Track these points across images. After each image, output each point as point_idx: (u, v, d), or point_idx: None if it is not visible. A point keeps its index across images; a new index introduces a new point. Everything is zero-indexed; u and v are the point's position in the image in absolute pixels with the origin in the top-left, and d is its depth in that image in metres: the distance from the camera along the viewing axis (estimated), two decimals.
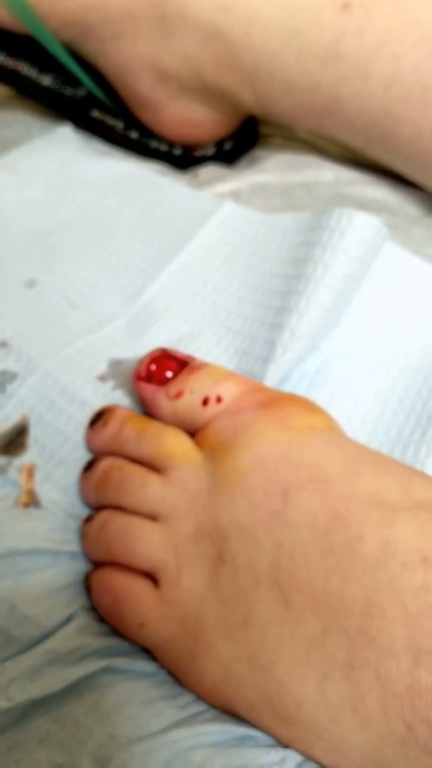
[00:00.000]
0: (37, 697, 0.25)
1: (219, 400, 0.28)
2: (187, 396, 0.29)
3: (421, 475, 0.25)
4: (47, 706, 0.25)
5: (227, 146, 0.46)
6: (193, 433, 0.29)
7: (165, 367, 0.30)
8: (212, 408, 0.28)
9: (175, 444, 0.28)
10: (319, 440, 0.26)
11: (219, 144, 0.46)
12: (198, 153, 0.46)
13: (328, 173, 0.40)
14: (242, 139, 0.46)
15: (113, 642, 0.26)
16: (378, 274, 0.33)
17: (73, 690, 0.25)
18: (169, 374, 0.30)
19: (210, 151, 0.46)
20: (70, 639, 0.26)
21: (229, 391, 0.28)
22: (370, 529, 0.23)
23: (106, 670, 0.25)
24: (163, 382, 0.30)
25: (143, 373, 0.30)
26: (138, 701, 0.25)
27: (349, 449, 0.25)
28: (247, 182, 0.40)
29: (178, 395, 0.29)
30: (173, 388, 0.29)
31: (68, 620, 0.26)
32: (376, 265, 0.33)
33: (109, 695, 0.25)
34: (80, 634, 0.26)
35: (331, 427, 0.27)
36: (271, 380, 0.31)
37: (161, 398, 0.29)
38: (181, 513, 0.26)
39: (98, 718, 0.24)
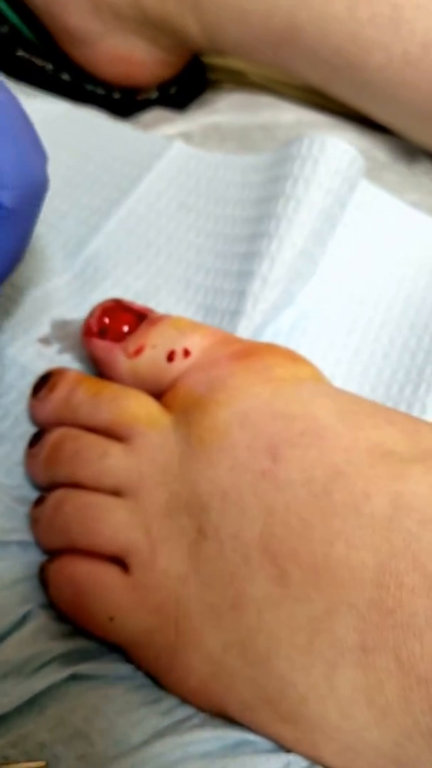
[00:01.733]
0: None
1: (187, 353, 0.25)
2: (149, 352, 0.25)
3: (428, 424, 0.23)
4: (3, 728, 0.21)
5: (172, 90, 0.42)
6: (157, 394, 0.25)
7: (120, 320, 0.26)
8: (179, 363, 0.25)
9: (138, 406, 0.24)
10: (308, 391, 0.23)
11: (163, 88, 0.42)
12: (140, 97, 0.42)
13: (289, 114, 0.37)
14: (188, 82, 0.43)
15: (78, 643, 0.23)
16: (355, 216, 0.30)
17: (33, 706, 0.21)
18: (125, 329, 0.26)
19: (153, 95, 0.42)
20: (26, 645, 0.22)
21: (197, 344, 0.25)
22: (378, 485, 0.20)
23: (72, 679, 0.22)
24: (119, 337, 0.26)
25: (95, 328, 0.26)
26: (113, 711, 0.21)
27: (342, 399, 0.23)
28: (198, 124, 0.37)
29: (138, 351, 0.25)
30: (132, 344, 0.26)
31: (21, 622, 0.23)
32: (353, 205, 0.30)
33: (77, 708, 0.21)
34: (37, 637, 0.22)
35: (317, 377, 0.24)
36: (242, 335, 0.28)
37: (118, 356, 0.26)
38: (151, 485, 0.23)
39: (67, 736, 0.21)
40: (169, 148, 0.34)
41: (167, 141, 0.35)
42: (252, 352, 0.24)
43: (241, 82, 0.43)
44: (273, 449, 0.21)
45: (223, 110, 0.38)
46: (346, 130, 0.37)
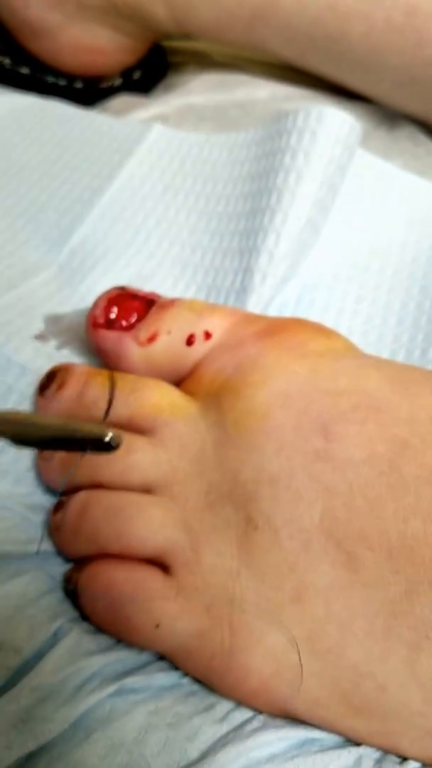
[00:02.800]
0: (32, 751, 0.18)
1: (208, 336, 0.23)
2: (164, 338, 0.23)
3: None
4: (48, 758, 0.18)
5: (136, 75, 0.40)
6: (175, 381, 0.23)
7: (128, 308, 0.24)
8: (200, 346, 0.23)
9: (160, 396, 0.22)
10: (350, 363, 0.21)
11: (126, 74, 0.40)
12: (103, 85, 0.39)
13: (263, 91, 0.35)
14: (151, 66, 0.41)
15: (118, 656, 0.20)
16: (352, 185, 0.29)
17: (78, 730, 0.19)
18: (134, 317, 0.24)
19: (117, 81, 0.40)
20: (62, 665, 0.19)
21: (218, 325, 0.23)
22: None
23: (116, 695, 0.19)
24: (129, 326, 0.24)
25: (101, 319, 0.24)
26: (165, 725, 0.19)
27: (387, 369, 0.21)
28: (172, 106, 0.35)
29: (152, 338, 0.23)
30: (144, 331, 0.23)
31: (54, 640, 0.20)
32: (351, 173, 0.29)
33: (127, 728, 0.19)
34: (73, 655, 0.20)
35: (352, 349, 0.22)
36: (253, 312, 0.26)
37: (129, 345, 0.23)
38: (184, 477, 0.21)
39: (121, 763, 0.18)
40: (149, 131, 0.32)
41: (145, 125, 0.33)
42: (280, 328, 0.22)
43: (205, 62, 0.41)
44: (324, 428, 0.19)
45: (197, 91, 0.36)
46: (322, 102, 0.36)
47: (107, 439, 0.13)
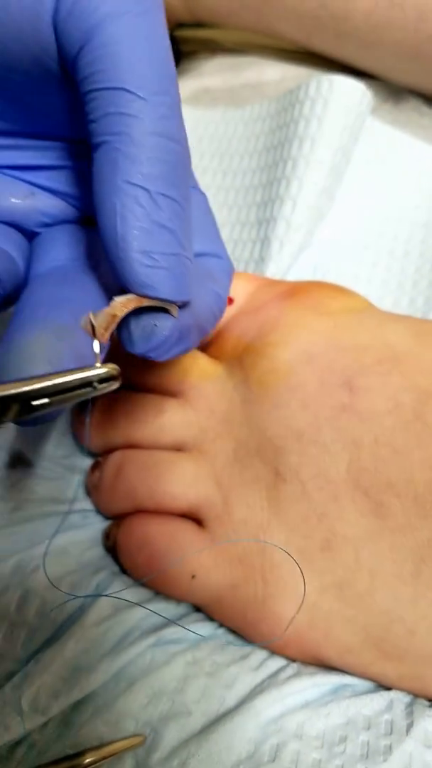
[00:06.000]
0: (78, 700, 0.17)
1: (230, 301, 0.21)
2: None
3: None
4: (93, 707, 0.17)
5: None
6: (201, 346, 0.22)
7: None
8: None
9: (187, 360, 0.21)
10: (370, 319, 0.19)
11: None
12: None
13: (273, 71, 0.33)
14: None
15: (157, 608, 0.19)
16: (363, 152, 0.27)
17: (121, 680, 0.18)
18: None
19: None
20: (104, 617, 0.18)
21: (240, 290, 0.21)
22: None
23: (156, 646, 0.18)
24: None
25: None
26: (203, 674, 0.18)
27: (407, 322, 0.19)
28: (186, 88, 0.33)
29: None
30: None
31: (96, 595, 0.19)
32: (362, 140, 0.27)
33: (167, 677, 0.18)
34: (114, 608, 0.19)
35: (371, 307, 0.21)
36: None
37: None
38: (214, 435, 0.19)
39: (163, 709, 0.17)
40: None
41: None
42: (299, 289, 0.21)
43: (216, 49, 0.39)
44: (348, 382, 0.18)
45: (210, 73, 0.34)
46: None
47: (113, 372, 0.13)
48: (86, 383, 0.13)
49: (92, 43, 0.13)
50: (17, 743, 0.17)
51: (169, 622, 0.19)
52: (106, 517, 0.21)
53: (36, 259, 0.17)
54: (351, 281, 0.25)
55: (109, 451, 0.20)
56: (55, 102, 0.15)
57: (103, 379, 0.13)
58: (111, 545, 0.19)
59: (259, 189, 0.26)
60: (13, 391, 0.12)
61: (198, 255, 0.17)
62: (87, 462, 0.22)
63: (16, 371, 0.12)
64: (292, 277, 0.25)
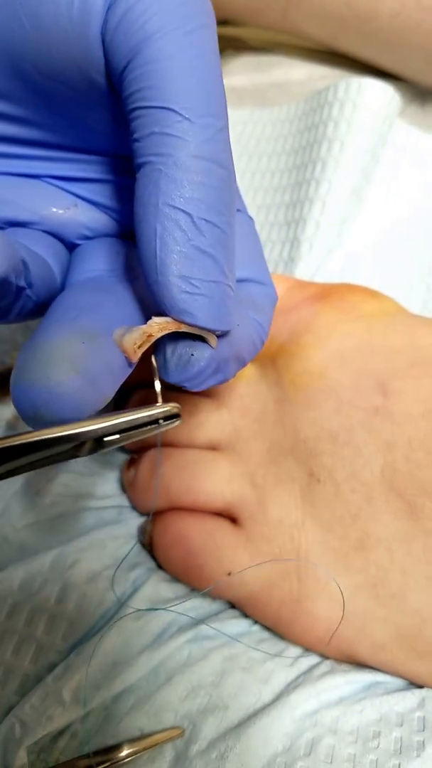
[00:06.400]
0: (118, 692, 0.18)
1: None
2: None
3: None
4: (133, 699, 0.18)
5: None
6: None
7: None
8: None
9: None
10: (402, 323, 0.20)
11: None
12: None
13: (299, 71, 0.33)
14: None
15: (193, 604, 0.19)
16: (391, 154, 0.27)
17: (160, 673, 0.18)
18: None
19: None
20: (143, 613, 0.19)
21: None
22: None
23: (193, 641, 0.19)
24: None
25: None
26: (239, 669, 0.18)
27: None
28: None
29: None
30: None
31: (134, 590, 0.19)
32: (390, 142, 0.27)
33: (204, 672, 0.18)
34: (152, 602, 0.19)
35: (402, 310, 0.21)
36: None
37: None
38: (248, 435, 0.19)
39: (201, 703, 0.18)
40: None
41: None
42: (331, 292, 0.21)
43: (241, 47, 0.39)
44: (382, 385, 0.18)
45: (236, 72, 0.34)
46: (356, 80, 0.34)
47: (175, 410, 0.13)
48: (153, 420, 0.13)
49: (139, 59, 0.13)
50: (59, 733, 0.17)
51: (205, 619, 0.19)
52: (141, 514, 0.21)
53: (73, 269, 0.17)
54: (378, 283, 0.25)
55: (144, 449, 0.21)
56: (100, 116, 0.15)
57: (168, 417, 0.13)
58: (147, 541, 0.20)
59: (288, 190, 0.26)
60: (88, 428, 0.12)
61: (240, 281, 0.16)
62: (120, 459, 0.22)
63: (38, 370, 0.12)
64: (320, 278, 0.25)
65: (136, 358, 0.13)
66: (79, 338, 0.13)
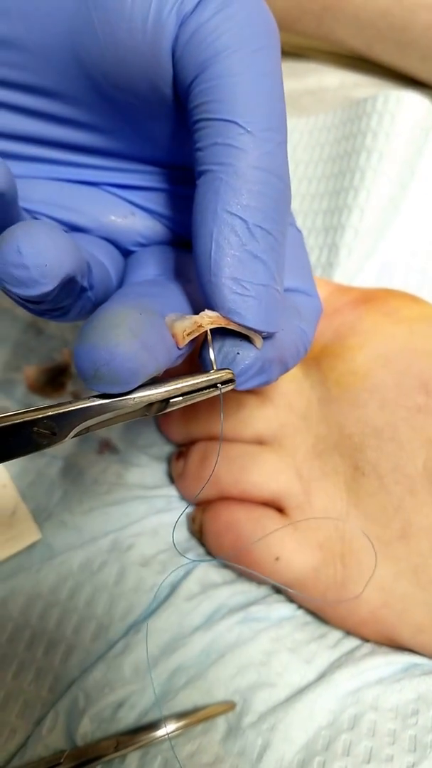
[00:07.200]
0: (173, 668, 0.19)
1: None
2: None
3: None
4: (187, 676, 0.19)
5: None
6: None
7: None
8: None
9: None
10: None
11: None
12: None
13: (332, 78, 0.34)
14: None
15: (241, 588, 0.20)
16: (428, 165, 0.28)
17: (211, 652, 0.19)
18: None
19: None
20: (194, 593, 0.20)
21: None
22: None
23: (242, 623, 0.20)
24: None
25: None
26: (286, 649, 0.19)
27: None
28: None
29: None
30: None
31: (185, 575, 0.20)
32: (427, 153, 0.28)
33: (252, 650, 0.19)
34: (203, 586, 0.20)
35: None
36: None
37: None
38: (293, 431, 0.21)
39: (250, 681, 0.19)
40: None
41: None
42: (374, 296, 0.22)
43: None
44: (425, 385, 0.19)
45: None
46: (389, 88, 0.35)
47: (230, 375, 0.14)
48: (212, 384, 0.14)
49: (207, 73, 0.14)
50: (120, 705, 0.18)
51: (253, 602, 0.20)
52: (190, 503, 0.22)
53: (129, 274, 0.17)
54: (415, 289, 0.26)
55: (191, 442, 0.22)
56: (162, 127, 0.16)
57: (225, 381, 0.14)
58: (197, 529, 0.21)
59: (326, 197, 0.27)
60: (160, 390, 0.13)
61: (288, 290, 0.17)
62: (167, 452, 0.23)
63: (100, 333, 0.13)
64: (358, 283, 0.26)
65: (183, 343, 0.14)
66: (137, 311, 0.13)
